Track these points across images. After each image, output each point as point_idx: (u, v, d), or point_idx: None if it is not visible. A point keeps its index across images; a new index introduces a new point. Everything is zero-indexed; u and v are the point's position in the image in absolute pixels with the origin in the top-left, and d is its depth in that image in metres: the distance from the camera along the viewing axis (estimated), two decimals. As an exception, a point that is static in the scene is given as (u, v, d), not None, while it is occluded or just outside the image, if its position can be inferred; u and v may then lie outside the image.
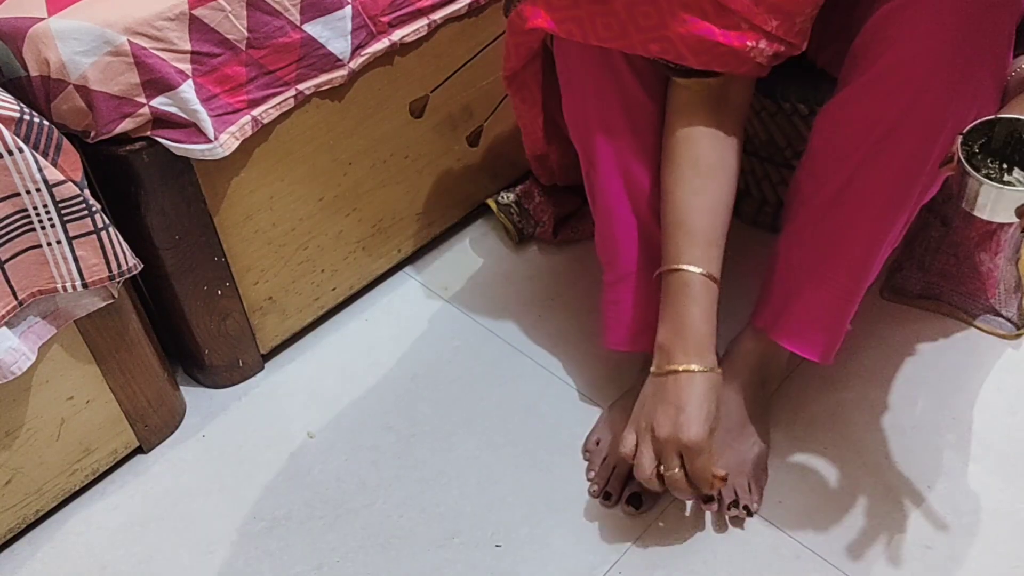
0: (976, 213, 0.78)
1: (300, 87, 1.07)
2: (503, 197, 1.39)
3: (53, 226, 0.92)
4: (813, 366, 1.17)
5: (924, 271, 1.27)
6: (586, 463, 1.12)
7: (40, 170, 0.88)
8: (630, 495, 1.07)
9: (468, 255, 1.39)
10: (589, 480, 1.10)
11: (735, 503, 1.04)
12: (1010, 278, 1.21)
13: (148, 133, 0.98)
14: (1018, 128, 0.79)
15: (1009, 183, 0.79)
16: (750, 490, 1.06)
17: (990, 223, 1.17)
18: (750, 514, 1.05)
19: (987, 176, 0.78)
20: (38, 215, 0.90)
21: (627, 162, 1.03)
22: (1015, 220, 0.76)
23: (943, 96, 0.88)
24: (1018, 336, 1.22)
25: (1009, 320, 1.22)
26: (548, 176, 1.33)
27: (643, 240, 1.06)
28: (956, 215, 1.22)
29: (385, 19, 1.11)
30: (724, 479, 0.97)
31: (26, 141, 0.87)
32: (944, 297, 1.25)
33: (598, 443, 1.12)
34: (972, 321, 1.24)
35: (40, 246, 0.92)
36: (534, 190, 1.37)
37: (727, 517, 1.05)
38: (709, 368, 0.96)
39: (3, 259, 0.91)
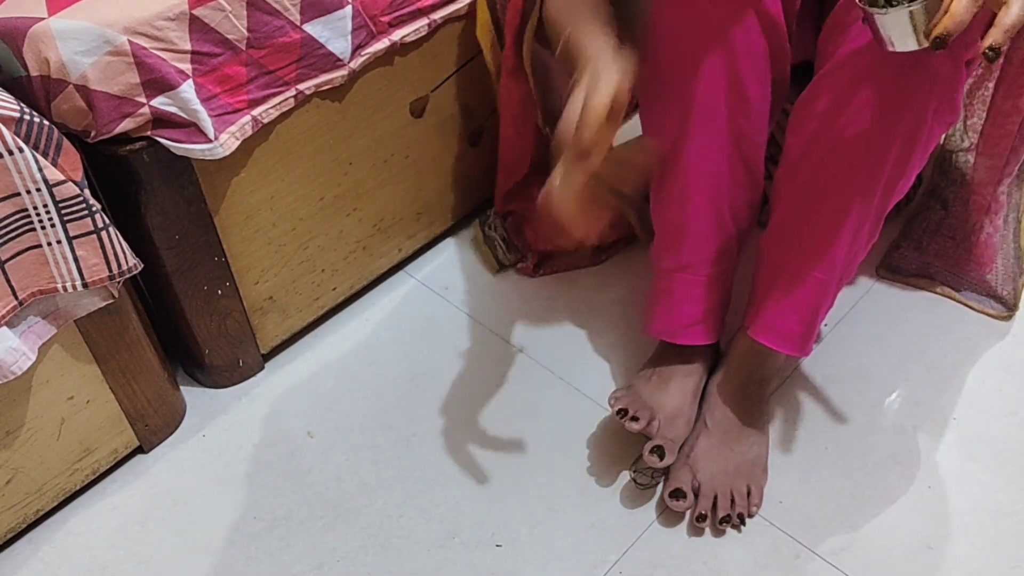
0: (888, 47, 0.75)
1: (300, 87, 1.07)
2: (491, 226, 1.35)
3: (53, 226, 0.92)
4: (813, 365, 1.17)
5: (921, 252, 1.28)
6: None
7: (40, 170, 0.88)
8: (653, 447, 1.04)
9: (469, 255, 1.39)
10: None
11: (726, 518, 1.04)
12: (1009, 251, 1.21)
13: (148, 133, 0.98)
14: None
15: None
16: (749, 493, 1.06)
17: (985, 187, 1.17)
18: (743, 522, 1.05)
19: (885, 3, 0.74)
20: (38, 215, 0.90)
21: (714, 149, 0.99)
22: (925, 43, 0.73)
23: (894, 84, 0.88)
24: (1008, 317, 1.23)
25: (1002, 301, 1.23)
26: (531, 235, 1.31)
27: (715, 232, 1.05)
28: (956, 200, 1.23)
29: (385, 19, 1.11)
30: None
31: (26, 141, 0.87)
32: (938, 277, 1.27)
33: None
34: (965, 301, 1.24)
35: (40, 246, 0.92)
36: (523, 225, 1.34)
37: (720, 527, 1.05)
38: None
39: (3, 259, 0.91)
